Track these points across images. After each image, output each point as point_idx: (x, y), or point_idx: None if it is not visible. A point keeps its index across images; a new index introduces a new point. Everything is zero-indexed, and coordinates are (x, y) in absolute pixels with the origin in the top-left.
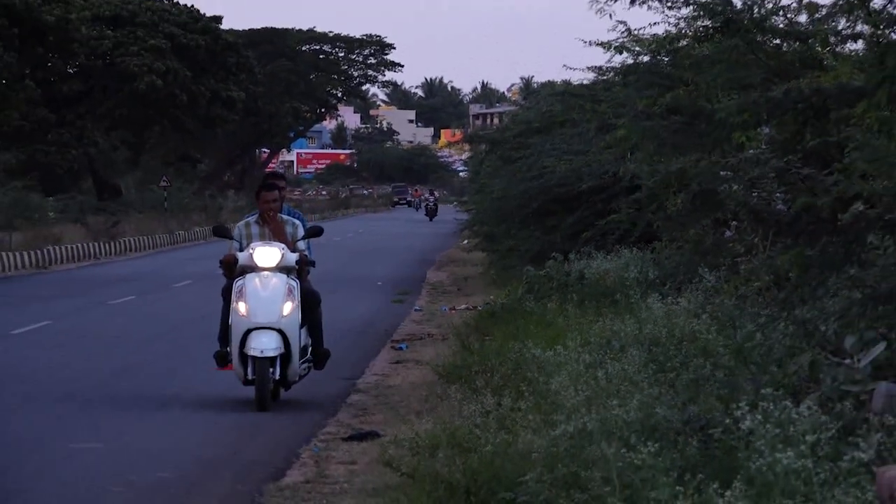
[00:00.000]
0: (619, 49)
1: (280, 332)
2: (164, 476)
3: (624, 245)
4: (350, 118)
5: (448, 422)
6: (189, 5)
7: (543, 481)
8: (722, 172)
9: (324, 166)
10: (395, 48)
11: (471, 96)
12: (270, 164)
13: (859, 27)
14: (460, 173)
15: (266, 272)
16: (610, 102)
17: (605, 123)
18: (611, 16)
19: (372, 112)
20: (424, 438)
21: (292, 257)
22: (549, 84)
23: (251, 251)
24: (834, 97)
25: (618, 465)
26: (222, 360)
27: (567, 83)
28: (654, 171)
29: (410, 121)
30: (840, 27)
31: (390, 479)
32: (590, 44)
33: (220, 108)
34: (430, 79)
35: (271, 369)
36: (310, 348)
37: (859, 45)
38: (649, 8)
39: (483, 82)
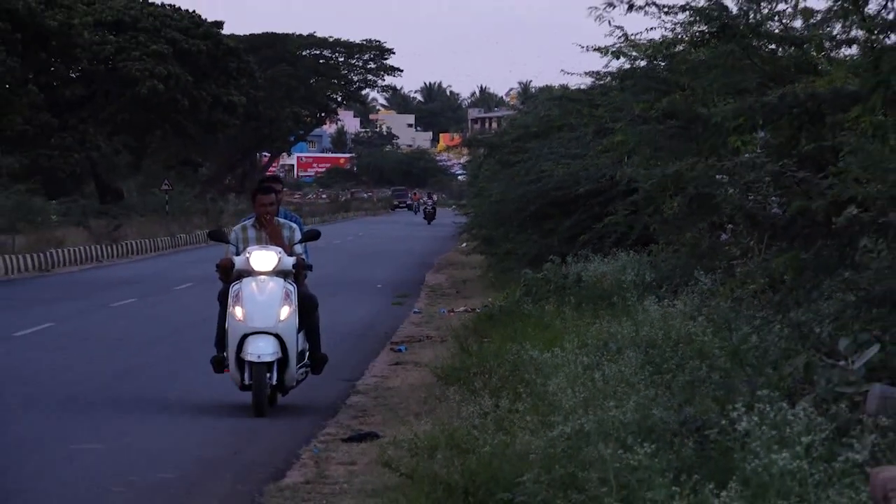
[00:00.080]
0: (617, 54)
1: (277, 336)
2: (165, 476)
3: (621, 248)
4: (350, 122)
5: (446, 423)
6: (190, 11)
7: (541, 482)
8: (718, 176)
9: (324, 170)
10: (394, 53)
11: (469, 101)
12: (271, 168)
13: (854, 33)
14: (459, 177)
15: (263, 276)
16: (607, 107)
17: (603, 127)
18: (609, 22)
19: (371, 116)
20: (423, 439)
21: (289, 261)
22: (547, 89)
23: (248, 255)
24: (829, 102)
25: (614, 466)
26: (219, 365)
27: (565, 88)
28: (651, 175)
29: (410, 125)
30: (835, 32)
31: (389, 480)
32: (587, 49)
33: (222, 112)
34: (429, 83)
35: (268, 374)
36: (307, 353)
37: (854, 50)
38: (646, 14)
39: (481, 87)
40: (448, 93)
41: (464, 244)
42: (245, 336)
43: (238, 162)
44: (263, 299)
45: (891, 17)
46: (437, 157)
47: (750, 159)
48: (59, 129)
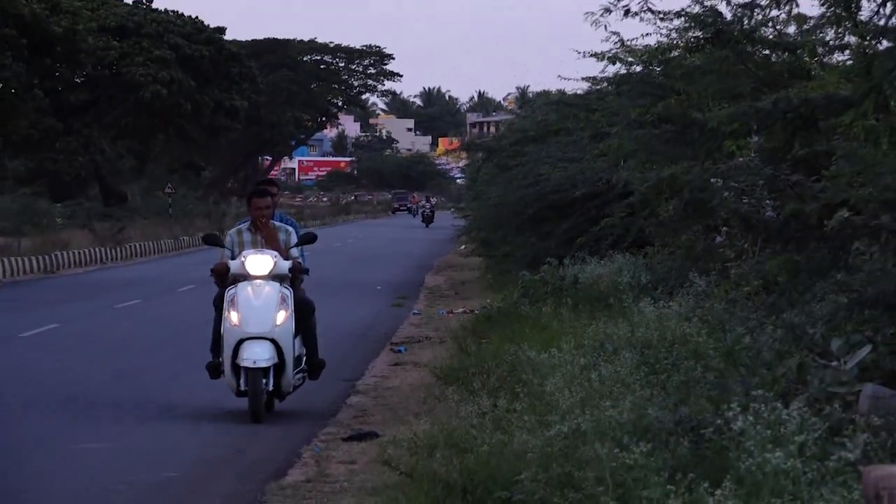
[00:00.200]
0: (613, 59)
1: (273, 341)
2: (167, 476)
3: (617, 250)
4: (350, 127)
5: (445, 422)
6: (193, 16)
7: (538, 480)
8: (712, 180)
9: (324, 173)
10: (394, 58)
11: (468, 105)
12: (272, 172)
13: (846, 38)
14: (458, 180)
15: (258, 280)
16: (603, 111)
17: (599, 132)
18: (605, 27)
19: (371, 121)
20: (422, 438)
21: (285, 265)
22: (545, 94)
23: (243, 259)
24: (822, 107)
25: (611, 465)
26: (215, 370)
27: (562, 93)
28: (647, 179)
29: (409, 129)
30: (828, 38)
31: (389, 479)
32: (584, 54)
33: (224, 117)
34: (429, 88)
35: (264, 380)
36: (304, 358)
37: (846, 55)
38: (642, 20)
39: (480, 92)
40: (447, 98)
41: (462, 246)
42: (241, 341)
43: (240, 165)
44: (259, 304)
45: (882, 23)
46: (437, 161)
47: (744, 163)
48: (63, 133)
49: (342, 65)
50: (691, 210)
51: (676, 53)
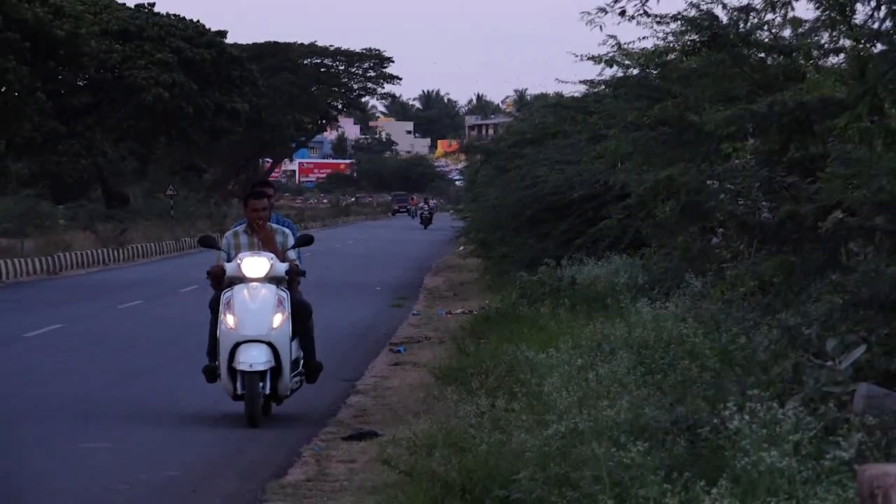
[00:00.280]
0: (610, 63)
1: (270, 345)
2: (171, 475)
3: (614, 251)
4: (350, 129)
5: (444, 422)
6: (195, 20)
7: (536, 479)
8: (709, 182)
9: (325, 175)
10: (393, 62)
11: (466, 108)
12: (273, 174)
13: (841, 42)
14: (456, 182)
15: (255, 283)
16: (601, 114)
17: (596, 134)
18: (601, 28)
19: (371, 123)
20: (422, 438)
21: (282, 267)
22: (542, 96)
23: (239, 261)
24: (817, 110)
25: (608, 464)
26: (211, 374)
27: (559, 96)
28: (644, 180)
29: (408, 132)
30: (823, 41)
31: (389, 478)
32: (581, 58)
33: (225, 119)
34: (428, 91)
35: (261, 384)
36: (301, 361)
37: (841, 58)
38: (638, 23)
39: (478, 95)
40: (446, 100)
41: (461, 248)
42: (237, 344)
43: (241, 167)
44: (255, 307)
45: (876, 26)
46: (435, 163)
47: (740, 165)
48: (66, 135)
49: (342, 68)
50: (688, 212)
51: (673, 57)
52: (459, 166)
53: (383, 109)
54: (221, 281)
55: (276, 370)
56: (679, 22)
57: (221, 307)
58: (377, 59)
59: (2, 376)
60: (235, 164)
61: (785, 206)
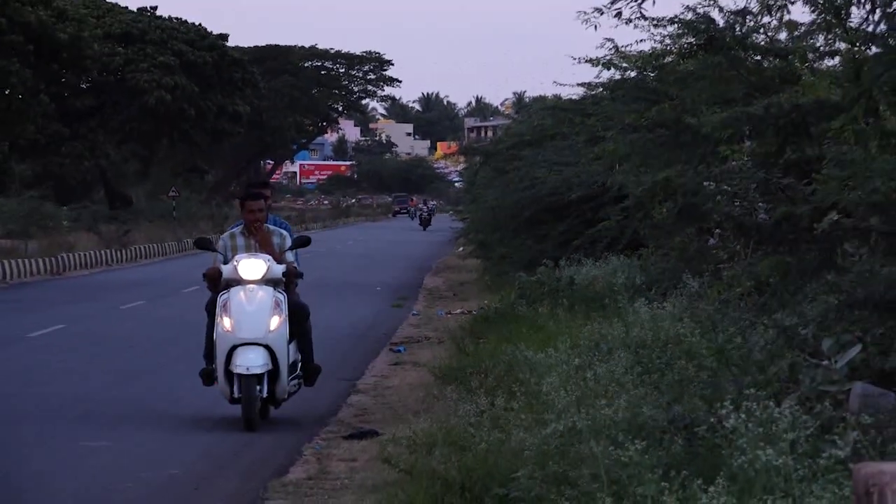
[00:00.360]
0: (607, 65)
1: (267, 347)
2: (173, 473)
3: (612, 252)
4: (350, 131)
5: (444, 421)
6: (197, 23)
7: (535, 478)
8: (706, 183)
9: (325, 177)
10: (393, 64)
11: (466, 110)
12: (275, 175)
13: (836, 44)
14: (456, 184)
15: (252, 285)
16: (598, 116)
17: (594, 136)
18: (596, 28)
19: (371, 125)
20: (422, 437)
21: (278, 269)
22: (541, 99)
23: (235, 263)
24: (812, 112)
25: (606, 463)
26: (208, 377)
27: (558, 98)
28: (641, 182)
29: (408, 134)
30: (818, 44)
31: (389, 476)
32: (579, 60)
33: (227, 121)
34: (427, 93)
35: (258, 387)
36: (299, 364)
37: (836, 61)
38: (636, 27)
39: (477, 97)
40: (445, 103)
41: (461, 248)
42: (234, 347)
43: (243, 169)
44: (252, 309)
45: (871, 29)
46: (435, 165)
47: (737, 167)
48: (70, 137)
49: (342, 71)
50: (685, 213)
51: (670, 59)
52: (459, 168)
53: (383, 112)
54: (218, 283)
55: (273, 373)
56: (676, 25)
57: (218, 310)
58: (377, 62)
59: (4, 376)
60: (237, 166)
61: (781, 208)
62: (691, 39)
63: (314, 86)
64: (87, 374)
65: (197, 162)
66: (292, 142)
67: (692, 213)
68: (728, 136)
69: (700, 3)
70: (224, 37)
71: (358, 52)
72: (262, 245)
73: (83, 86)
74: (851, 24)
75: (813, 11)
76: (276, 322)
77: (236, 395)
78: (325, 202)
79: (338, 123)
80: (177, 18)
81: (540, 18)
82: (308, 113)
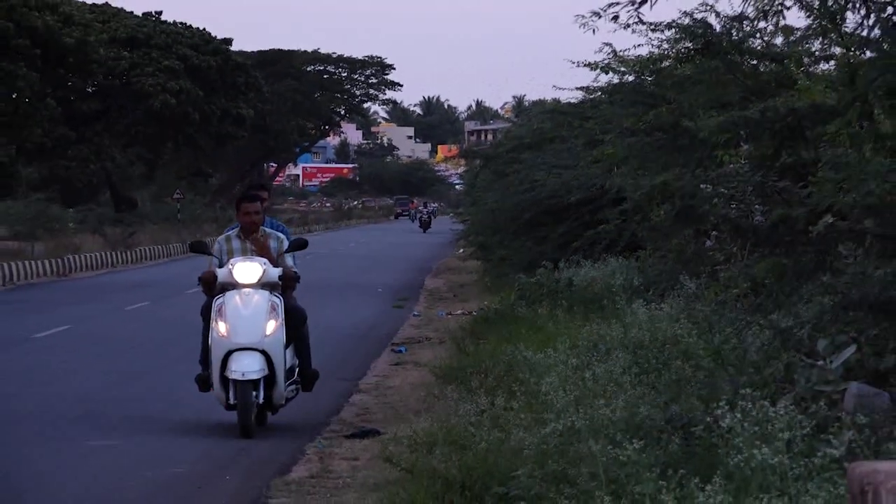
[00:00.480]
0: (606, 69)
1: (263, 352)
2: (177, 472)
3: (610, 254)
4: (352, 134)
5: (445, 420)
6: (201, 28)
7: (534, 476)
8: (703, 186)
9: (328, 179)
10: (394, 68)
11: (466, 114)
12: (278, 178)
13: (832, 49)
14: (456, 186)
15: (247, 289)
16: (597, 119)
17: (593, 139)
18: (594, 31)
19: (373, 129)
20: (422, 436)
21: (274, 272)
22: (540, 102)
23: (231, 267)
24: (808, 116)
25: (604, 461)
26: (204, 383)
27: (557, 102)
28: (639, 185)
29: (409, 137)
30: (814, 49)
31: (390, 475)
32: (578, 64)
33: (231, 125)
34: (428, 97)
35: (255, 393)
36: (297, 369)
37: (831, 65)
38: (633, 31)
39: (478, 101)
40: (446, 106)
41: (461, 250)
42: (229, 352)
43: (246, 172)
44: (248, 313)
45: (866, 34)
46: (436, 168)
47: (734, 170)
48: (76, 141)
49: (345, 75)
50: (682, 215)
51: (667, 64)
52: (459, 170)
53: (385, 115)
54: (213, 287)
55: (269, 378)
56: (673, 30)
57: (213, 314)
58: (379, 66)
59: (8, 376)
60: (241, 169)
61: (777, 210)
62: (688, 44)
63: (317, 90)
64: (93, 374)
65: (201, 165)
66: (295, 145)
67: (689, 215)
68: (725, 140)
69: (697, 9)
70: (228, 41)
71: (360, 57)
72: (259, 248)
73: (89, 90)
74: (846, 29)
75: (808, 16)
76: (272, 326)
77: (232, 401)
78: (328, 204)
79: (340, 127)
80: (181, 23)
81: (539, 23)
82: (311, 116)
